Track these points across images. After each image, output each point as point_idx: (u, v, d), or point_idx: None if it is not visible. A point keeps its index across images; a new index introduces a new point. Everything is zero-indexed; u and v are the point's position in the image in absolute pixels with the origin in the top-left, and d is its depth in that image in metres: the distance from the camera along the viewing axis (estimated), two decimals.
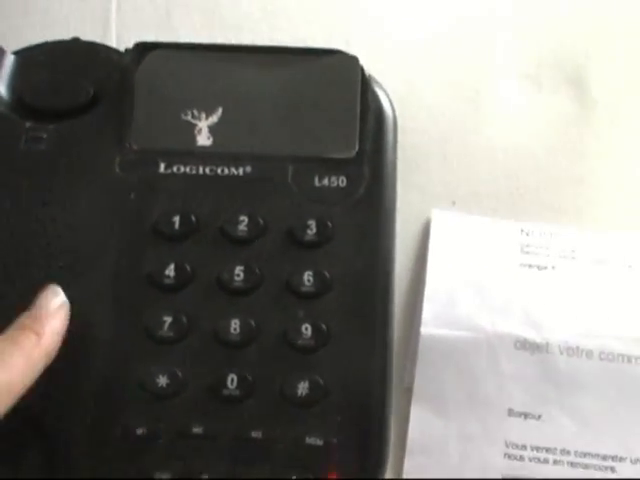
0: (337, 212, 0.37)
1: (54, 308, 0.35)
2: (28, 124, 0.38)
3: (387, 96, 0.40)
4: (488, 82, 0.44)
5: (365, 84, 0.39)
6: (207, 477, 0.35)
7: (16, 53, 0.40)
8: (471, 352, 0.39)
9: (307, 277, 0.36)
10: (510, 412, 0.39)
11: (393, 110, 0.40)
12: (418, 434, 0.39)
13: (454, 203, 0.42)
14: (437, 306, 0.40)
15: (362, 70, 0.39)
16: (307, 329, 0.36)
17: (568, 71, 0.45)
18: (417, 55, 0.45)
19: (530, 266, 0.40)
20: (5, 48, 0.39)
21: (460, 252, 0.41)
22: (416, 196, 0.42)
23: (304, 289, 0.36)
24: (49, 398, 0.35)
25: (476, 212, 0.42)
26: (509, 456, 0.38)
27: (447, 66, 0.45)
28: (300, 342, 0.36)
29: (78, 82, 0.39)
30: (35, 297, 0.35)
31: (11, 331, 0.33)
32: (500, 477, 0.38)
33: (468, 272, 0.40)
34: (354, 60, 0.39)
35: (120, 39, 0.44)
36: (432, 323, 0.39)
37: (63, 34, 0.41)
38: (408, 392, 0.39)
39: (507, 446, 0.39)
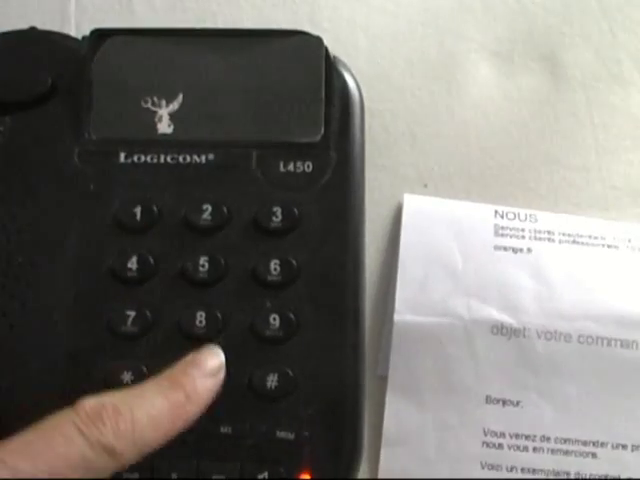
0: (304, 198, 0.36)
1: (210, 370, 0.33)
2: None
3: (353, 77, 0.38)
4: (459, 60, 0.43)
5: (330, 65, 0.38)
6: (175, 477, 0.34)
7: None
8: (446, 338, 0.38)
9: (274, 266, 0.35)
10: (488, 399, 0.38)
11: (360, 91, 0.38)
12: (394, 424, 0.38)
13: (426, 186, 0.41)
14: (410, 292, 0.39)
15: (326, 51, 0.38)
16: (275, 319, 0.35)
17: (541, 48, 0.44)
18: (384, 34, 0.44)
19: (505, 248, 0.40)
20: None
21: (433, 236, 0.40)
22: (386, 179, 0.41)
23: (271, 278, 0.35)
24: (13, 398, 0.34)
25: (449, 194, 0.41)
26: (487, 444, 0.38)
27: (416, 45, 0.44)
28: (268, 333, 0.35)
29: (35, 72, 0.38)
30: (191, 353, 0.33)
31: (162, 380, 0.31)
32: (479, 466, 0.38)
33: (441, 256, 0.39)
34: (318, 41, 0.38)
35: (79, 27, 0.43)
36: (405, 310, 0.38)
37: (20, 23, 0.39)
38: (383, 381, 0.38)
39: (485, 434, 0.38)
